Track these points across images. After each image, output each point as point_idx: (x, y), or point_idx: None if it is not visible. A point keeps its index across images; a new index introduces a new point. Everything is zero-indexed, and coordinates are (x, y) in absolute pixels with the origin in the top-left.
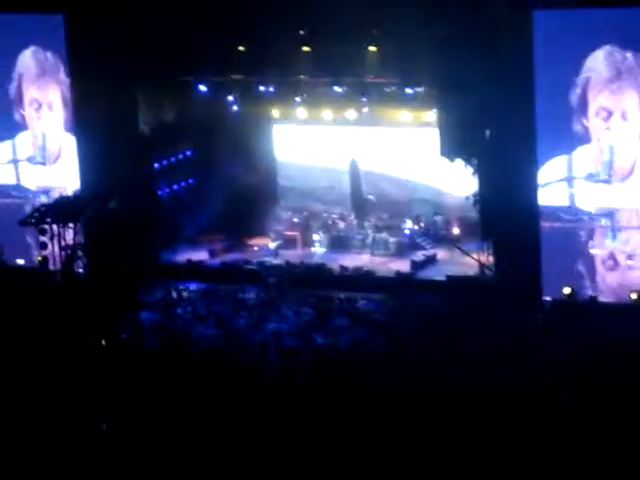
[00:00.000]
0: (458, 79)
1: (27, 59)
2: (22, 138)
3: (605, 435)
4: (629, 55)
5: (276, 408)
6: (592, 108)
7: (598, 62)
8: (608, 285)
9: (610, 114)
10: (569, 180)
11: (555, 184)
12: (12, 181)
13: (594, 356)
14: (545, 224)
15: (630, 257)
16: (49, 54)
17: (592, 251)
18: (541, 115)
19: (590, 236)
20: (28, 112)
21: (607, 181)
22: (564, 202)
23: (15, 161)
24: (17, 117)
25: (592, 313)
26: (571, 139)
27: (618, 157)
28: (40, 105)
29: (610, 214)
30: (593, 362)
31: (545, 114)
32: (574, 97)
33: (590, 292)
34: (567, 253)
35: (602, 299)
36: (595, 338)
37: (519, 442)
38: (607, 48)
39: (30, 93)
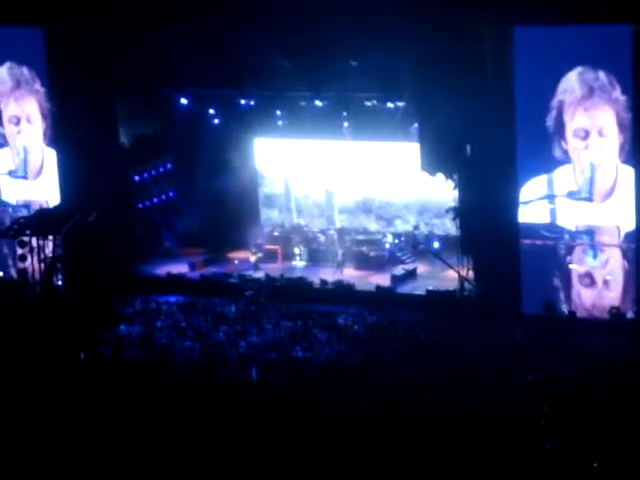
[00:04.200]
0: (439, 94)
1: (2, 75)
2: (3, 152)
3: (583, 446)
4: (600, 74)
5: (257, 420)
6: (569, 129)
7: (571, 82)
8: (586, 302)
9: (587, 133)
10: (550, 198)
11: (536, 202)
12: None
13: (573, 370)
14: (526, 241)
15: (606, 281)
16: (24, 69)
17: (572, 267)
18: (521, 135)
19: (570, 253)
20: (8, 129)
21: (588, 199)
22: (545, 219)
23: None
24: None
25: (571, 328)
26: (551, 160)
27: (599, 175)
28: (19, 120)
29: (590, 232)
30: (572, 376)
31: (525, 134)
32: (550, 120)
33: (570, 308)
34: (548, 270)
35: (581, 314)
36: (574, 353)
37: (493, 454)
38: (579, 69)
39: (8, 110)
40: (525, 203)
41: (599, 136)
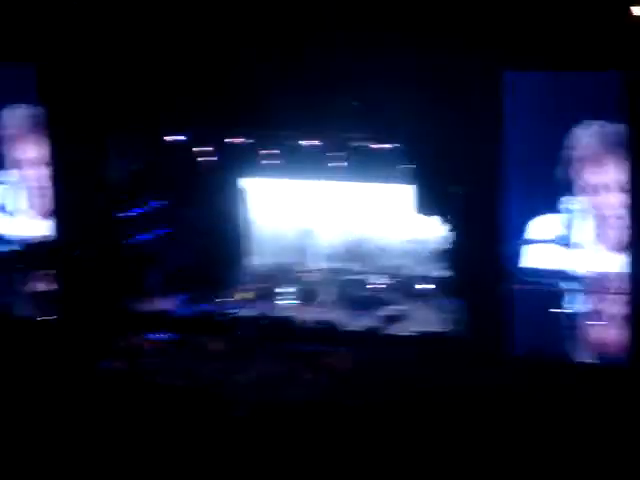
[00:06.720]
0: (434, 137)
1: (20, 118)
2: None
3: None
4: (603, 124)
5: (244, 462)
6: (578, 184)
7: (576, 137)
8: (578, 345)
9: (599, 187)
10: (542, 242)
11: (527, 246)
12: None
13: (564, 415)
14: (517, 284)
15: (599, 320)
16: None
17: (563, 311)
18: (515, 180)
19: (562, 298)
20: (27, 173)
21: (566, 246)
22: (536, 264)
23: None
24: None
25: (562, 372)
26: (549, 206)
27: (604, 225)
28: (36, 162)
29: (578, 278)
30: (563, 420)
31: (519, 180)
32: (560, 174)
33: (561, 351)
34: (539, 314)
35: (573, 358)
36: (566, 397)
37: None
38: (582, 121)
39: (27, 154)
40: (517, 246)
41: (610, 190)
